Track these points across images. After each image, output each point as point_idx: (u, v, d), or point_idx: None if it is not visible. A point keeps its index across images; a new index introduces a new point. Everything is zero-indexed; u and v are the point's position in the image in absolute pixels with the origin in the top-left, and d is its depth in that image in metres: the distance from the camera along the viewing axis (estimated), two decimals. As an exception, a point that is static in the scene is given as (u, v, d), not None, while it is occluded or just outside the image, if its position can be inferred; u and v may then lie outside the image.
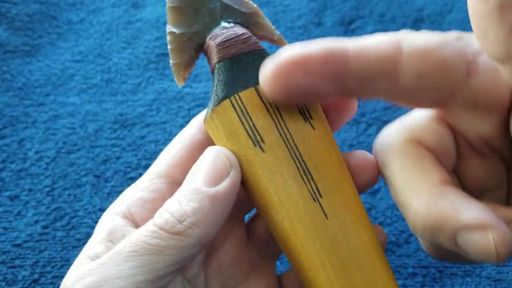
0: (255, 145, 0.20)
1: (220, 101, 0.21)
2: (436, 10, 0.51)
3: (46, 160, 0.39)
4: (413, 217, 0.18)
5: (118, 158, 0.40)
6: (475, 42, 0.17)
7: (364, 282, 0.20)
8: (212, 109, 0.21)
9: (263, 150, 0.20)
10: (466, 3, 0.58)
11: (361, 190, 0.22)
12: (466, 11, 0.51)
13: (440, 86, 0.18)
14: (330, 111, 0.22)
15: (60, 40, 0.48)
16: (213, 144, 0.22)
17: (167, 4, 0.23)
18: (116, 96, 0.44)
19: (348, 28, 0.50)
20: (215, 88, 0.21)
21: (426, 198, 0.17)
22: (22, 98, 0.43)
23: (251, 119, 0.20)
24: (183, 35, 0.23)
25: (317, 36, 0.49)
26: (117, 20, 0.50)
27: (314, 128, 0.21)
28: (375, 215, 0.36)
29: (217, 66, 0.22)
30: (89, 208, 0.37)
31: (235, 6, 0.23)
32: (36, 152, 0.40)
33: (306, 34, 0.49)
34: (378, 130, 0.41)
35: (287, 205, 0.20)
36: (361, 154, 0.22)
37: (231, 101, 0.21)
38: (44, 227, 0.36)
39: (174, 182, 0.23)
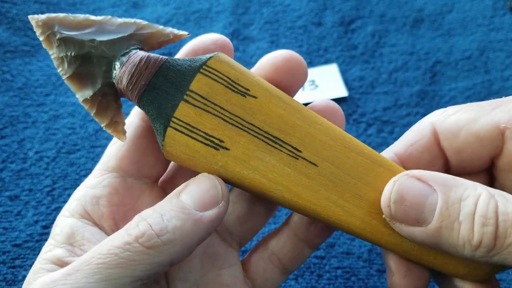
0: (217, 149, 0.20)
1: (164, 133, 0.20)
2: (436, 10, 0.51)
3: (46, 160, 0.39)
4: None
5: (118, 158, 0.40)
6: (510, 109, 0.19)
7: (378, 190, 0.21)
8: (163, 145, 0.21)
9: (227, 149, 0.20)
10: (466, 3, 0.58)
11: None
12: (466, 11, 0.51)
13: (478, 156, 0.20)
14: (279, 77, 0.23)
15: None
16: (153, 133, 0.22)
17: (63, 78, 0.22)
18: (116, 96, 0.44)
19: (348, 28, 0.50)
20: (153, 125, 0.21)
21: None
22: (22, 98, 0.43)
23: (199, 130, 0.20)
24: (95, 97, 0.22)
25: (317, 36, 0.49)
26: (117, 20, 0.50)
27: (256, 97, 0.21)
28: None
29: (140, 104, 0.21)
30: (89, 208, 0.37)
31: (117, 37, 0.22)
32: (36, 152, 0.40)
33: (306, 34, 0.49)
34: (378, 130, 0.41)
35: (277, 179, 0.21)
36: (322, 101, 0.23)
37: (172, 127, 0.20)
38: (44, 227, 0.36)
39: (125, 175, 0.23)
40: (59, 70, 0.22)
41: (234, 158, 0.20)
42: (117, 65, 0.21)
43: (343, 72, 0.46)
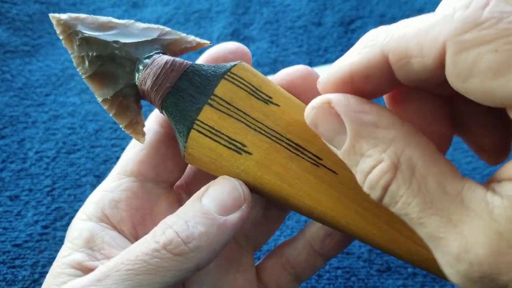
0: (240, 154, 0.21)
1: (187, 135, 0.21)
2: (436, 10, 0.51)
3: (46, 160, 0.39)
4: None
5: (118, 158, 0.40)
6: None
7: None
8: (185, 147, 0.21)
9: (250, 153, 0.21)
10: (466, 3, 0.57)
11: None
12: (466, 11, 0.51)
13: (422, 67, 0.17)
14: (293, 89, 0.23)
15: (60, 40, 0.48)
16: (174, 137, 0.22)
17: (83, 77, 0.22)
18: (116, 96, 0.44)
19: (348, 28, 0.50)
20: (175, 127, 0.21)
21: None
22: (22, 98, 0.43)
23: (222, 133, 0.21)
24: (116, 97, 0.22)
25: (317, 36, 0.49)
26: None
27: (278, 105, 0.21)
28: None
29: (164, 106, 0.21)
30: (89, 208, 0.37)
31: (141, 40, 0.22)
32: (36, 152, 0.40)
33: (306, 34, 0.49)
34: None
35: (298, 185, 0.21)
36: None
37: (196, 130, 0.21)
38: (44, 227, 0.36)
39: (144, 179, 0.23)
40: (78, 69, 0.22)
41: (256, 162, 0.21)
42: (141, 67, 0.22)
43: (343, 72, 0.46)
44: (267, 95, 0.21)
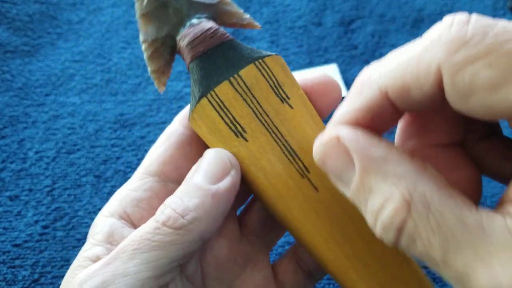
0: (237, 136, 0.21)
1: (197, 101, 0.21)
2: (436, 10, 0.51)
3: (46, 160, 0.39)
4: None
5: (118, 158, 0.40)
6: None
7: (365, 246, 0.21)
8: (192, 110, 0.21)
9: (246, 140, 0.21)
10: (466, 3, 0.58)
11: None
12: (466, 11, 0.51)
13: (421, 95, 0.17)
14: (314, 96, 0.23)
15: (60, 40, 0.48)
16: (200, 139, 0.23)
17: (136, 14, 0.23)
18: (116, 96, 0.44)
19: (348, 28, 0.50)
20: (192, 88, 0.22)
21: None
22: (22, 98, 0.43)
23: (229, 112, 0.21)
24: (156, 41, 0.23)
25: (317, 36, 0.49)
26: (117, 20, 0.50)
27: (292, 107, 0.21)
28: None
29: (190, 66, 0.22)
30: (89, 208, 0.37)
31: (200, 1, 0.23)
32: (36, 152, 0.40)
33: (306, 34, 0.49)
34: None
35: (277, 186, 0.21)
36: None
37: (208, 98, 0.21)
38: (44, 227, 0.36)
39: (167, 180, 0.23)
40: (136, 5, 0.23)
41: (248, 150, 0.21)
42: (188, 24, 0.22)
43: (343, 72, 0.46)
44: (286, 95, 0.21)
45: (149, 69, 0.23)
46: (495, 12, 0.50)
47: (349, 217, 0.21)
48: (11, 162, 0.39)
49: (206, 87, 0.21)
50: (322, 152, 0.18)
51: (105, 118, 0.42)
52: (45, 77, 0.45)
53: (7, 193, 0.37)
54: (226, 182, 0.20)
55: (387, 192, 0.15)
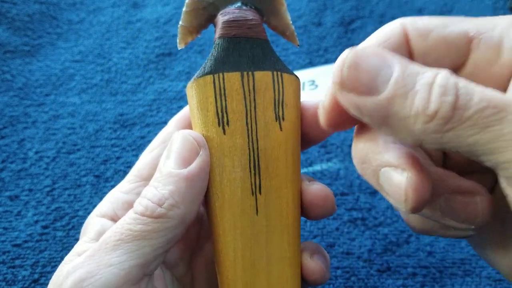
0: (219, 125, 0.21)
1: (204, 74, 0.21)
2: (436, 10, 0.51)
3: (46, 160, 0.39)
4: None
5: (118, 158, 0.40)
6: (480, 22, 0.18)
7: (266, 285, 0.21)
8: (195, 79, 0.21)
9: (224, 133, 0.21)
10: (466, 3, 0.58)
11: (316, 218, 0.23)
12: (466, 11, 0.51)
13: (443, 61, 0.18)
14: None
15: (60, 40, 0.48)
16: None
17: None
18: (116, 96, 0.44)
19: (348, 28, 0.50)
20: (206, 61, 0.22)
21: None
22: (22, 98, 0.43)
23: (225, 101, 0.21)
24: (199, 2, 0.23)
25: (317, 36, 0.49)
26: (117, 20, 0.50)
27: (281, 129, 0.21)
28: (375, 215, 0.36)
29: (216, 41, 0.22)
30: (89, 208, 0.37)
31: None
32: (36, 152, 0.40)
33: (306, 34, 0.49)
34: (378, 130, 0.41)
35: (225, 189, 0.21)
36: (320, 190, 0.22)
37: (213, 77, 0.21)
38: (44, 227, 0.36)
39: None
40: None
41: (221, 142, 0.21)
42: (237, 4, 0.23)
43: (343, 72, 0.46)
44: (283, 115, 0.21)
45: (180, 22, 0.23)
46: (495, 12, 0.50)
47: (268, 252, 0.21)
48: (11, 162, 0.39)
49: (219, 67, 0.21)
50: (355, 55, 0.16)
51: (105, 118, 0.42)
52: (45, 77, 0.45)
53: (7, 193, 0.37)
54: (196, 163, 0.20)
55: (434, 70, 0.16)
